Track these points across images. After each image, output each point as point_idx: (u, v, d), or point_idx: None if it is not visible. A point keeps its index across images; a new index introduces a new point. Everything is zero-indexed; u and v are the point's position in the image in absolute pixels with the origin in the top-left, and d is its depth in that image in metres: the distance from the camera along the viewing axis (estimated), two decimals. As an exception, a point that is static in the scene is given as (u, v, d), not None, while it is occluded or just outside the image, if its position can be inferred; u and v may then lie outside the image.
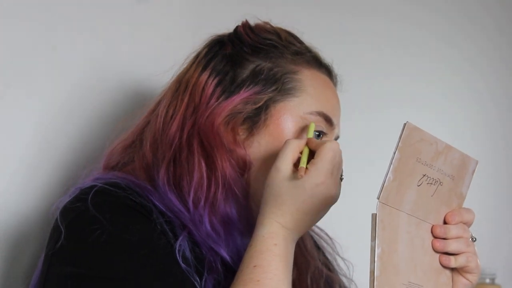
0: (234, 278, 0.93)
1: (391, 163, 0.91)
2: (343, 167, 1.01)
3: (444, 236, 0.98)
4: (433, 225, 0.98)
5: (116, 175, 1.02)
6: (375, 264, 0.89)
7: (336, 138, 1.10)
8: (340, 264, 1.25)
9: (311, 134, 1.02)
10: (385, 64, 1.77)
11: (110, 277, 0.90)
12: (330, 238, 1.24)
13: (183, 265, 0.94)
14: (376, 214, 0.90)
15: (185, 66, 1.11)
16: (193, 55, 1.11)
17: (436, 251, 0.98)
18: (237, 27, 1.11)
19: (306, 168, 0.95)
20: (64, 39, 1.21)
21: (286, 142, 0.98)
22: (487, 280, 1.83)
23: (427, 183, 0.96)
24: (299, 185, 0.94)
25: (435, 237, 0.98)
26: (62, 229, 0.94)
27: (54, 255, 0.94)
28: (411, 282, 0.94)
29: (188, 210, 1.00)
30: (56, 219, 0.96)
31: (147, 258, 0.92)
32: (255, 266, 0.91)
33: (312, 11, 1.62)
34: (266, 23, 1.11)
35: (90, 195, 0.95)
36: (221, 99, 1.04)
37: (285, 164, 0.96)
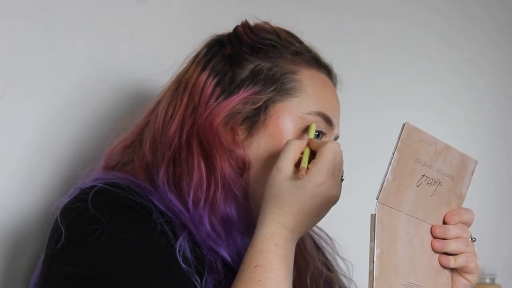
0: (234, 278, 0.93)
1: (390, 163, 0.91)
2: (344, 167, 1.01)
3: (443, 236, 0.98)
4: (432, 225, 0.98)
5: (116, 175, 1.02)
6: (374, 264, 0.89)
7: (336, 138, 1.10)
8: (340, 264, 1.25)
9: (312, 134, 1.02)
10: (385, 64, 1.77)
11: (110, 277, 0.90)
12: (330, 238, 1.24)
13: (183, 265, 0.94)
14: (375, 214, 0.91)
15: (184, 66, 1.11)
16: (193, 55, 1.11)
17: (435, 251, 0.98)
18: (236, 27, 1.11)
19: (307, 168, 0.95)
20: (64, 39, 1.21)
21: (287, 143, 0.98)
22: (487, 280, 1.83)
23: (427, 184, 0.96)
24: (300, 185, 0.94)
25: (434, 237, 0.98)
26: (62, 229, 0.94)
27: (54, 255, 0.94)
28: (411, 283, 0.94)
29: (188, 210, 1.00)
30: (56, 219, 0.96)
31: (147, 258, 0.92)
32: (256, 266, 0.91)
33: (312, 11, 1.62)
34: (266, 23, 1.11)
35: (90, 195, 0.95)
36: (220, 99, 1.04)
37: (286, 164, 0.96)
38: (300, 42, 1.11)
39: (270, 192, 0.96)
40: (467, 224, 1.00)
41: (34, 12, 1.17)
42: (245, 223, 1.04)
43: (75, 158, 1.21)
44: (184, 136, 1.03)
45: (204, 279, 0.96)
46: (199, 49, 1.11)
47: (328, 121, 1.06)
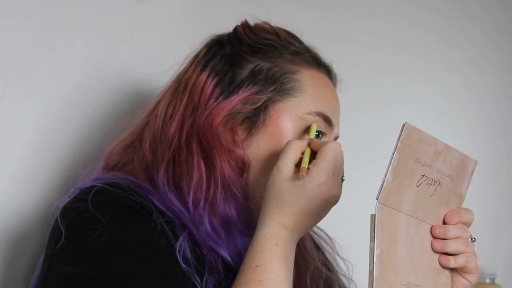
0: (234, 278, 0.93)
1: (390, 163, 0.91)
2: (344, 168, 1.01)
3: (443, 237, 0.98)
4: (432, 226, 0.98)
5: (116, 175, 1.02)
6: (374, 264, 0.89)
7: (336, 138, 1.10)
8: (340, 264, 1.25)
9: (312, 134, 1.02)
10: (385, 64, 1.77)
11: (110, 277, 0.90)
12: (330, 238, 1.24)
13: (183, 265, 0.94)
14: (375, 215, 0.91)
15: (184, 66, 1.11)
16: (193, 55, 1.11)
17: (435, 252, 0.98)
18: (236, 27, 1.11)
19: (308, 168, 0.95)
20: (64, 39, 1.21)
21: (288, 143, 0.98)
22: (487, 280, 1.83)
23: (426, 184, 0.96)
24: (300, 185, 0.94)
25: (434, 237, 0.98)
26: (62, 230, 0.94)
27: (54, 255, 0.94)
28: (410, 283, 0.94)
29: (188, 210, 1.00)
30: (56, 220, 0.96)
31: (147, 258, 0.92)
32: (256, 266, 0.91)
33: (312, 11, 1.62)
34: (266, 23, 1.11)
35: (90, 195, 0.95)
36: (220, 99, 1.04)
37: (287, 165, 0.96)
38: (300, 42, 1.11)
39: (270, 192, 0.96)
40: (467, 224, 1.00)
41: (34, 12, 1.17)
42: (245, 223, 1.04)
43: (75, 158, 1.21)
44: (183, 136, 1.03)
45: (204, 279, 0.96)
46: (199, 49, 1.11)
47: (327, 121, 1.06)
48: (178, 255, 0.94)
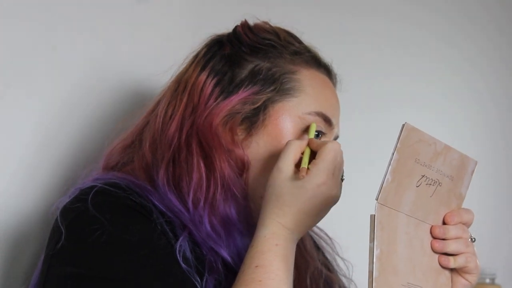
0: (234, 278, 0.93)
1: (389, 164, 0.91)
2: (344, 168, 1.01)
3: (443, 237, 0.98)
4: (432, 226, 0.98)
5: (115, 175, 1.02)
6: (374, 265, 0.89)
7: (336, 138, 1.10)
8: (340, 264, 1.25)
9: (312, 134, 1.02)
10: (385, 64, 1.77)
11: (110, 277, 0.90)
12: (330, 238, 1.24)
13: (183, 265, 0.94)
14: (374, 215, 0.91)
15: (184, 66, 1.11)
16: (192, 55, 1.11)
17: (435, 252, 0.98)
18: (236, 27, 1.11)
19: (308, 168, 0.95)
20: (64, 39, 1.21)
21: (287, 143, 0.98)
22: (487, 280, 1.83)
23: (426, 184, 0.96)
24: (300, 185, 0.94)
25: (434, 237, 0.98)
26: (62, 230, 0.94)
27: (54, 255, 0.94)
28: (410, 283, 0.94)
29: (188, 210, 1.00)
30: (56, 219, 0.96)
31: (147, 258, 0.92)
32: (256, 266, 0.91)
33: (312, 11, 1.62)
34: (265, 23, 1.11)
35: (90, 196, 0.95)
36: (219, 99, 1.04)
37: (286, 165, 0.96)
38: (300, 42, 1.11)
39: (270, 193, 0.96)
40: (467, 224, 1.00)
41: (34, 12, 1.17)
42: (245, 223, 1.04)
43: (75, 158, 1.21)
44: (183, 136, 1.03)
45: (204, 279, 0.96)
46: (199, 49, 1.11)
47: (327, 121, 1.06)
48: (178, 255, 0.94)
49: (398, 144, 0.91)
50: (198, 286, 0.94)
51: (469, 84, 1.96)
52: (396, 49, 1.80)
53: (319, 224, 1.14)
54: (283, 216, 0.94)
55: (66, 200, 0.98)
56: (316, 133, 1.04)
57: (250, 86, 1.05)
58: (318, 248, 1.22)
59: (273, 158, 0.99)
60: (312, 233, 1.22)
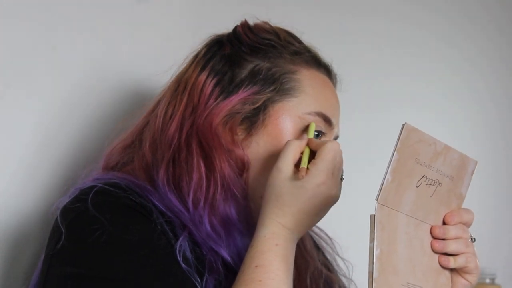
0: (234, 278, 0.93)
1: (389, 164, 0.91)
2: (344, 167, 1.01)
3: (443, 237, 0.98)
4: (432, 226, 0.98)
5: (115, 175, 1.02)
6: (374, 265, 0.89)
7: (336, 138, 1.10)
8: (340, 264, 1.25)
9: (311, 134, 1.02)
10: (385, 64, 1.77)
11: (110, 277, 0.90)
12: (330, 238, 1.24)
13: (183, 265, 0.94)
14: (374, 215, 0.91)
15: (184, 66, 1.11)
16: (192, 55, 1.11)
17: (435, 252, 0.98)
18: (236, 27, 1.11)
19: (307, 168, 0.95)
20: (64, 39, 1.21)
21: (287, 143, 0.98)
22: (487, 280, 1.83)
23: (426, 184, 0.96)
24: (300, 185, 0.94)
25: (434, 237, 0.98)
26: (63, 230, 0.94)
27: (54, 255, 0.94)
28: (410, 283, 0.94)
29: (188, 210, 1.00)
30: (56, 219, 0.96)
31: (147, 258, 0.92)
32: (256, 266, 0.91)
33: (312, 11, 1.62)
34: (265, 23, 1.11)
35: (90, 196, 0.95)
36: (219, 99, 1.04)
37: (286, 165, 0.96)
38: (300, 42, 1.11)
39: (270, 192, 0.96)
40: (467, 224, 1.00)
41: (34, 12, 1.17)
42: (245, 223, 1.04)
43: (75, 158, 1.21)
44: (183, 136, 1.03)
45: (204, 279, 0.96)
46: (199, 49, 1.11)
47: (327, 121, 1.06)
48: (178, 255, 0.94)
49: (398, 144, 0.91)
50: (198, 286, 0.94)
51: (469, 84, 1.96)
52: (396, 49, 1.80)
53: (319, 224, 1.15)
54: (283, 216, 0.94)
55: (66, 200, 0.98)
56: (316, 133, 1.04)
57: (250, 86, 1.05)
58: (318, 248, 1.22)
59: (273, 158, 0.99)
60: (312, 233, 1.22)
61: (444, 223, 0.99)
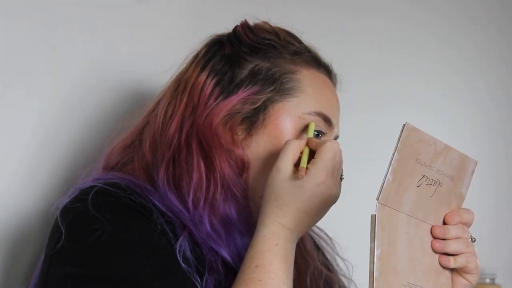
0: (235, 278, 0.93)
1: (390, 164, 0.91)
2: (343, 167, 1.01)
3: (443, 237, 0.98)
4: (432, 226, 0.98)
5: (115, 175, 1.02)
6: (374, 265, 0.89)
7: (336, 138, 1.10)
8: (340, 264, 1.25)
9: (311, 133, 1.02)
10: (385, 64, 1.77)
11: (110, 277, 0.90)
12: (330, 238, 1.24)
13: (183, 265, 0.94)
14: (375, 215, 0.91)
15: (184, 66, 1.11)
16: (192, 55, 1.11)
17: (435, 252, 0.98)
18: (236, 27, 1.11)
19: (307, 168, 0.95)
20: (64, 39, 1.21)
21: (286, 143, 0.98)
22: (487, 280, 1.83)
23: (427, 184, 0.96)
24: (299, 185, 0.94)
25: (434, 237, 0.98)
26: (63, 230, 0.94)
27: (54, 255, 0.94)
28: (410, 283, 0.94)
29: (188, 210, 1.00)
30: (56, 219, 0.96)
31: (147, 258, 0.92)
32: (256, 266, 0.91)
33: (312, 11, 1.62)
34: (265, 23, 1.11)
35: (90, 196, 0.95)
36: (219, 99, 1.04)
37: (285, 164, 0.96)
38: (300, 42, 1.11)
39: (270, 192, 0.96)
40: (467, 224, 1.00)
41: (34, 12, 1.17)
42: (245, 223, 1.04)
43: (75, 158, 1.21)
44: (183, 136, 1.03)
45: (204, 279, 0.96)
46: (199, 49, 1.11)
47: (327, 121, 1.06)
48: (178, 255, 0.94)
49: (398, 144, 0.91)
50: (198, 286, 0.94)
51: (469, 84, 1.96)
52: (396, 49, 1.80)
53: (319, 224, 1.15)
54: (282, 216, 0.94)
55: (66, 200, 0.98)
56: (316, 133, 1.04)
57: (250, 86, 1.05)
58: (318, 248, 1.22)
59: (273, 158, 0.99)
60: (312, 233, 1.22)
61: (444, 223, 0.99)
